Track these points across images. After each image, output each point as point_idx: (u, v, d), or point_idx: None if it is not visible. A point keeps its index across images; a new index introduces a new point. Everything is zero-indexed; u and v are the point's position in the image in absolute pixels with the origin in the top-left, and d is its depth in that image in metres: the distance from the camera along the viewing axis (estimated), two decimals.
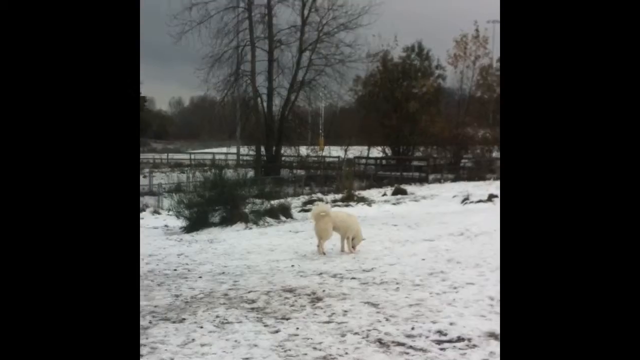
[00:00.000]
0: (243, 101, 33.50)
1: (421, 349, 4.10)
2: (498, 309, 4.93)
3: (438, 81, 35.19)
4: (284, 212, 13.92)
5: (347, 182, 22.62)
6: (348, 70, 32.56)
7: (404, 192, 20.61)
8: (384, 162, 35.54)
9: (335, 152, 35.96)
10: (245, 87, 33.21)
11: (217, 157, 38.26)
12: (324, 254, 8.27)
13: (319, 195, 21.41)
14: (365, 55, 33.10)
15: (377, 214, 14.62)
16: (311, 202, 18.40)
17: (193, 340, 4.47)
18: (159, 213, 16.09)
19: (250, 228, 12.30)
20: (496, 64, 33.34)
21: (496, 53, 33.76)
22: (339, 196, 19.55)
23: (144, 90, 74.97)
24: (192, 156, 41.54)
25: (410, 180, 27.49)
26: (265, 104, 33.30)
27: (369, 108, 35.57)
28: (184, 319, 5.08)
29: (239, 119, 34.91)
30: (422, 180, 27.96)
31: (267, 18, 31.96)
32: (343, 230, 8.47)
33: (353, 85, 35.47)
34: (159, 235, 12.17)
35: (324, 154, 36.13)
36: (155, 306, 5.57)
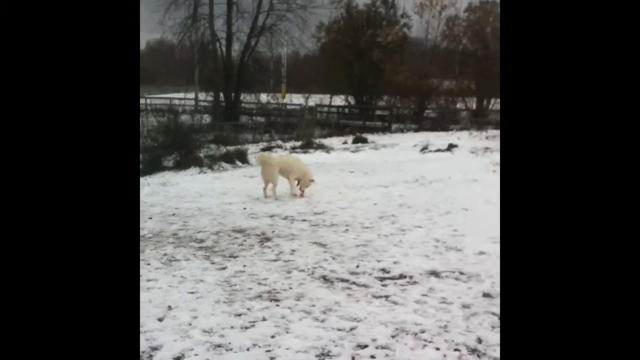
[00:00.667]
0: (201, 45, 32.65)
1: (363, 285, 4.20)
2: (442, 250, 5.09)
3: (403, 30, 34.93)
4: (240, 158, 13.84)
5: (307, 130, 22.56)
6: (311, 17, 32.08)
7: (364, 141, 20.68)
8: (346, 110, 35.47)
9: (296, 99, 35.63)
10: (203, 30, 32.31)
11: (174, 102, 37.48)
12: (276, 198, 8.30)
13: (279, 142, 21.30)
14: (329, 1, 32.62)
15: (335, 161, 14.68)
16: (270, 148, 18.33)
17: (140, 276, 4.46)
18: None
19: (205, 172, 12.23)
20: (463, 14, 33.30)
21: (463, 3, 33.67)
22: (298, 143, 19.50)
23: None
24: (148, 101, 40.56)
25: (373, 130, 27.55)
26: (224, 49, 32.56)
27: (332, 56, 35.21)
28: None
29: (197, 64, 34.07)
30: (385, 130, 28.05)
31: None
32: (287, 173, 8.63)
33: (316, 32, 35.04)
34: None
35: (285, 101, 35.81)
36: None
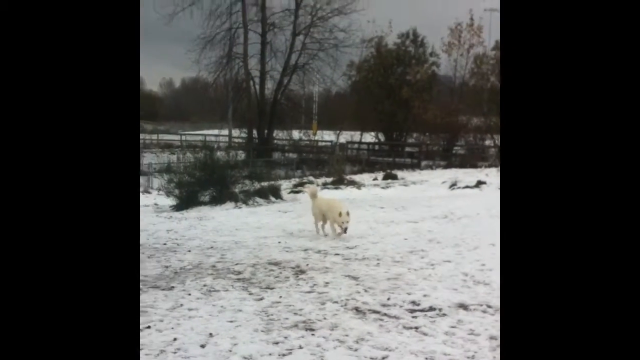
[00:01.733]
0: (235, 83, 33.55)
1: (394, 317, 4.39)
2: (470, 284, 5.24)
3: (432, 68, 35.28)
4: (273, 193, 14.16)
5: (338, 166, 22.87)
6: (342, 55, 32.78)
7: (394, 177, 20.92)
8: (376, 147, 35.78)
9: (327, 136, 36.15)
10: (237, 69, 33.27)
11: (208, 138, 38.39)
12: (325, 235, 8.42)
13: (311, 178, 21.65)
14: (360, 40, 33.23)
15: (366, 197, 14.91)
16: (302, 184, 18.65)
17: (181, 305, 4.73)
18: (149, 192, 16.32)
19: (240, 207, 12.55)
20: (490, 53, 33.50)
21: (490, 42, 33.91)
22: (329, 179, 19.80)
23: None
24: (183, 137, 41.45)
25: (402, 166, 27.78)
26: (257, 87, 33.39)
27: (363, 93, 35.66)
28: (173, 287, 5.35)
29: (231, 101, 34.92)
30: (414, 167, 28.26)
31: (261, 0, 31.97)
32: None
33: (347, 70, 35.60)
34: (149, 212, 12.37)
35: (316, 138, 36.32)
36: (145, 276, 5.82)
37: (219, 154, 14.97)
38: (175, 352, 3.69)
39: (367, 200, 13.75)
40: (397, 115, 33.89)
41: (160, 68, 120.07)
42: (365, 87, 35.24)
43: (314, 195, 8.83)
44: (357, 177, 20.92)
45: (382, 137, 36.23)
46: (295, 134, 34.98)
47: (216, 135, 37.31)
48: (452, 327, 4.15)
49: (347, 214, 7.88)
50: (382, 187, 17.91)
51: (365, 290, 5.10)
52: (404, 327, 4.14)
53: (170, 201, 13.28)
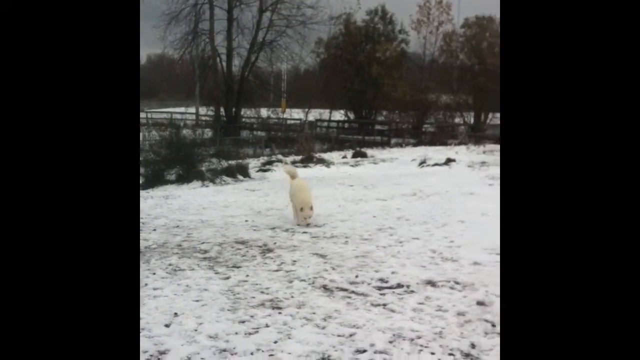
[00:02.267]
0: (201, 60, 33.06)
1: (362, 294, 4.37)
2: (438, 261, 5.25)
3: (401, 46, 35.32)
4: (241, 172, 14.04)
5: (307, 144, 22.77)
6: (310, 32, 32.63)
7: (364, 155, 20.91)
8: (346, 125, 35.75)
9: (296, 114, 35.94)
10: (203, 46, 32.82)
11: (175, 116, 37.86)
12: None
13: (279, 156, 21.51)
14: (328, 17, 33.06)
15: (335, 175, 14.86)
16: (270, 162, 18.54)
17: (146, 284, 4.63)
18: None
19: (207, 186, 12.40)
20: (460, 30, 33.64)
21: (459, 19, 34.03)
22: (298, 158, 19.70)
23: None
24: (149, 115, 40.75)
25: (372, 144, 27.84)
26: (224, 64, 32.95)
27: (332, 71, 35.53)
28: None
29: (197, 79, 34.43)
30: (384, 144, 28.36)
31: None
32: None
33: (315, 47, 35.40)
34: None
35: (285, 116, 36.09)
36: None
37: (185, 131, 14.73)
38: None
39: (336, 178, 13.70)
40: (367, 93, 33.91)
41: None
42: (334, 64, 35.09)
43: (293, 176, 8.02)
44: (326, 155, 20.84)
45: (351, 115, 36.20)
46: (264, 112, 34.69)
47: (182, 113, 36.81)
48: (420, 303, 4.14)
49: (311, 208, 7.12)
50: (352, 165, 17.89)
51: (333, 268, 5.07)
52: (372, 305, 4.12)
53: None
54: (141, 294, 4.37)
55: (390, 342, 3.45)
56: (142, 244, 6.24)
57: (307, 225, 7.08)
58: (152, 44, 32.66)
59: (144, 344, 3.43)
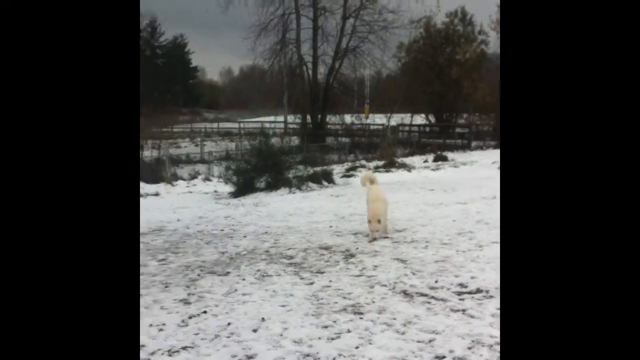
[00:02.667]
0: (289, 69, 33.87)
1: (442, 299, 4.46)
2: None
3: (481, 47, 34.58)
4: (326, 178, 14.34)
5: (389, 149, 22.82)
6: (391, 37, 32.72)
7: (444, 159, 20.75)
8: (427, 129, 35.41)
9: (379, 119, 35.97)
10: (291, 55, 33.65)
11: (265, 125, 38.99)
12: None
13: (363, 162, 21.72)
14: (408, 21, 32.93)
15: (416, 180, 14.88)
16: (354, 168, 18.78)
17: (236, 290, 4.95)
18: (210, 180, 16.82)
19: (294, 193, 12.80)
20: None
21: None
22: (381, 163, 19.82)
23: (196, 60, 76.24)
24: (242, 125, 42.25)
25: (453, 147, 27.47)
26: (310, 72, 33.58)
27: (413, 75, 35.33)
28: (229, 272, 5.58)
29: (285, 87, 35.28)
30: (465, 147, 27.92)
31: None
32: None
33: (396, 52, 35.37)
34: (209, 199, 12.84)
35: (368, 121, 36.23)
36: (203, 261, 6.11)
37: (273, 140, 15.26)
38: (228, 337, 3.86)
39: (417, 182, 13.72)
40: (447, 95, 33.47)
41: (220, 57, 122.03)
42: (415, 68, 34.86)
43: (372, 182, 7.57)
44: (408, 160, 20.86)
45: (432, 119, 35.80)
46: (348, 118, 35.03)
47: (272, 122, 37.89)
48: (499, 309, 4.17)
49: (378, 222, 6.68)
50: (432, 169, 17.83)
51: (413, 273, 5.18)
52: (451, 310, 4.19)
53: (229, 188, 13.67)
54: (231, 299, 4.69)
55: (469, 348, 3.50)
56: (234, 250, 6.63)
57: (374, 239, 6.66)
58: (243, 56, 34.09)
59: (233, 348, 3.69)
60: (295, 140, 27.25)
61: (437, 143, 29.36)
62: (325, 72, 33.96)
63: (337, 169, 18.13)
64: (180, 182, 16.60)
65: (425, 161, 20.59)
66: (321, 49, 33.52)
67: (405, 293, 4.67)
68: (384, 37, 32.37)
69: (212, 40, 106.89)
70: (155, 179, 16.52)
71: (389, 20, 32.00)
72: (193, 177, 17.60)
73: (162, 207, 11.75)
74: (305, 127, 33.27)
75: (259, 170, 13.58)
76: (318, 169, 15.03)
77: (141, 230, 8.40)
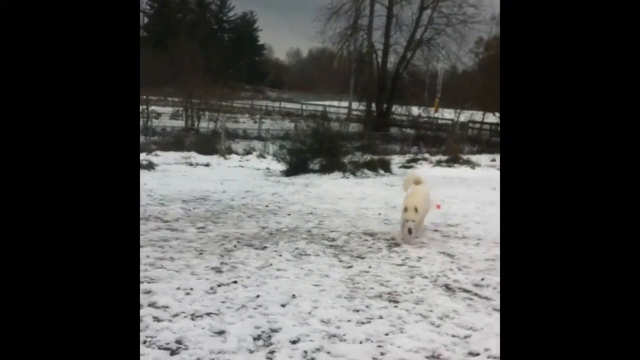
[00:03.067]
0: (358, 55, 33.45)
1: (485, 297, 4.16)
2: None
3: None
4: (383, 166, 14.01)
5: (456, 145, 22.20)
6: (470, 32, 31.56)
7: None
8: (499, 128, 34.31)
9: (448, 114, 35.14)
10: (361, 41, 33.16)
11: (328, 109, 38.86)
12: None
13: (426, 155, 21.18)
14: (490, 17, 31.81)
15: (479, 177, 14.34)
16: (415, 160, 18.34)
17: (270, 265, 4.78)
18: (264, 157, 16.74)
19: (347, 177, 12.55)
20: None
21: None
22: (444, 158, 19.27)
23: (263, 38, 76.78)
24: (304, 106, 42.20)
25: None
26: (380, 60, 33.05)
27: (489, 72, 34.24)
28: (266, 247, 5.42)
29: (353, 73, 34.88)
30: None
31: None
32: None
33: (474, 47, 34.34)
34: (259, 176, 12.77)
35: (437, 115, 35.46)
36: (242, 234, 5.97)
37: (333, 124, 15.03)
38: (255, 309, 3.72)
39: (479, 180, 13.21)
40: None
41: (289, 38, 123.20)
42: (493, 66, 33.74)
43: (417, 183, 6.51)
44: (474, 158, 20.16)
45: None
46: (415, 110, 34.33)
47: (336, 107, 37.72)
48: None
49: (415, 210, 5.70)
50: (499, 169, 17.16)
51: (459, 269, 4.88)
52: (494, 309, 3.90)
53: (282, 167, 13.56)
54: (264, 273, 4.52)
55: None
56: (275, 226, 6.46)
57: (409, 232, 5.73)
58: (312, 37, 33.84)
59: (258, 320, 3.53)
60: (357, 127, 27.01)
61: None
62: (395, 61, 33.22)
63: (397, 159, 17.72)
64: (233, 156, 16.49)
65: (493, 160, 19.83)
66: (393, 37, 32.79)
67: (447, 287, 4.39)
68: (462, 31, 31.32)
69: (281, 20, 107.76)
70: (208, 150, 16.43)
71: (469, 14, 30.93)
72: (247, 152, 17.47)
73: (210, 177, 11.72)
74: (369, 115, 32.84)
75: (314, 152, 13.41)
76: (376, 157, 14.72)
77: (184, 197, 8.39)
